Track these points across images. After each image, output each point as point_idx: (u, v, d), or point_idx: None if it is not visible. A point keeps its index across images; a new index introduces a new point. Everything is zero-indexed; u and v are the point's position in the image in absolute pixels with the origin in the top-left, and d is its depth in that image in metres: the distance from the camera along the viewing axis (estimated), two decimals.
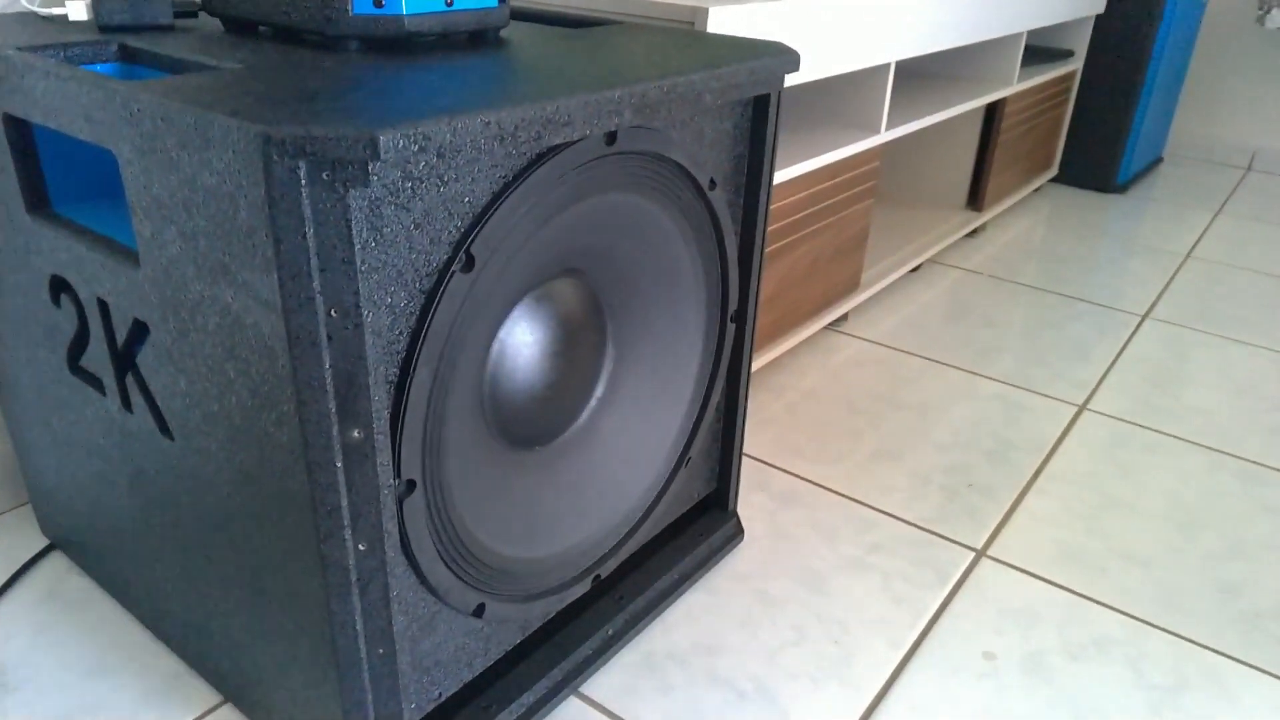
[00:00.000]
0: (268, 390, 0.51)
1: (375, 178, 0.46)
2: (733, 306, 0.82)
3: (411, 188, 0.50)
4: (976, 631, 0.85)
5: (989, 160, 1.80)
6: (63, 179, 0.70)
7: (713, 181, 0.73)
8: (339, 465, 0.51)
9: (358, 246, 0.47)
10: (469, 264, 0.55)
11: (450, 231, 0.53)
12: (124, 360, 0.63)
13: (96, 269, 0.60)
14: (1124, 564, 0.95)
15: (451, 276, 0.54)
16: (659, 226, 0.71)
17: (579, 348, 0.72)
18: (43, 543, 0.90)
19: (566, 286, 0.70)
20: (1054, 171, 2.24)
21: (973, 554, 0.96)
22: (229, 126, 0.45)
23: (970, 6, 1.42)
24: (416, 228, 0.51)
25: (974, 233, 1.90)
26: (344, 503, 0.52)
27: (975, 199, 1.85)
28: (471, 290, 0.56)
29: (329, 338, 0.48)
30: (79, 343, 0.67)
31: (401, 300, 0.52)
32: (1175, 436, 1.19)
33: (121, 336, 0.62)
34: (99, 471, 0.73)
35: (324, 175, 0.45)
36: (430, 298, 0.53)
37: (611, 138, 0.61)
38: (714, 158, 0.73)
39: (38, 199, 0.66)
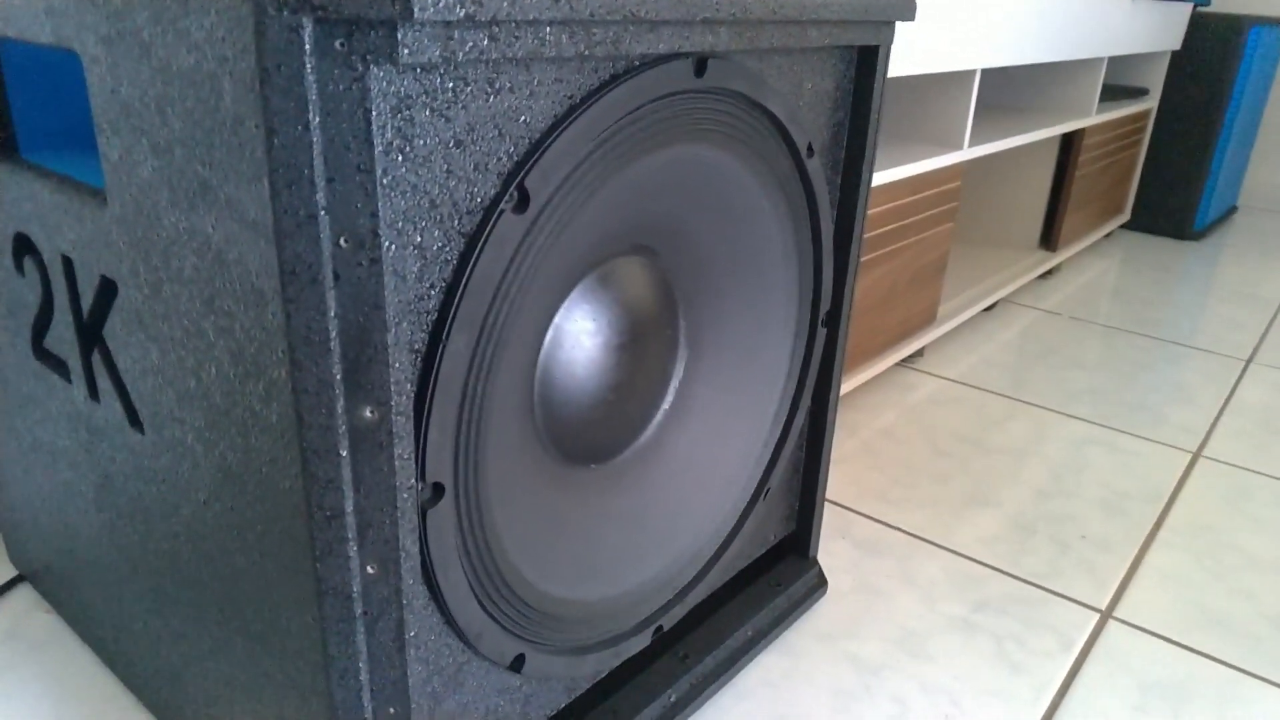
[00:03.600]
0: (254, 351, 0.39)
1: (406, 51, 0.34)
2: (825, 307, 0.69)
3: (453, 89, 0.38)
4: (1116, 710, 0.70)
5: (1064, 197, 1.67)
6: (32, 130, 0.60)
7: (811, 148, 0.61)
8: (344, 454, 0.38)
9: (379, 149, 0.35)
10: (523, 202, 0.42)
11: (500, 158, 0.41)
12: (90, 332, 0.51)
13: (60, 216, 0.49)
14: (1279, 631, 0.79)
15: (500, 215, 0.41)
16: (748, 197, 0.58)
17: (647, 345, 0.60)
18: (10, 573, 0.78)
19: (635, 268, 0.57)
20: (1126, 216, 2.11)
21: (1097, 615, 0.80)
22: None
23: (1054, 23, 1.31)
24: (457, 145, 0.39)
25: (1047, 274, 1.77)
26: (349, 507, 0.39)
27: (1049, 239, 1.72)
28: (525, 240, 0.43)
29: (335, 275, 0.36)
30: (43, 317, 0.55)
31: (435, 240, 0.39)
32: None
33: (88, 301, 0.50)
34: (65, 481, 0.61)
35: (337, 43, 0.33)
36: (472, 242, 0.41)
37: (702, 66, 0.49)
38: (813, 120, 0.61)
39: (4, 145, 0.55)
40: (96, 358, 0.51)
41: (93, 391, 0.53)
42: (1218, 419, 1.20)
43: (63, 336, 0.54)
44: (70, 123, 0.61)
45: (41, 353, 0.57)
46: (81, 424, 0.56)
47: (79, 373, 0.53)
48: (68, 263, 0.50)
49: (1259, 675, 0.74)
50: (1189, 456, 1.10)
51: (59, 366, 0.56)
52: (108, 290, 0.48)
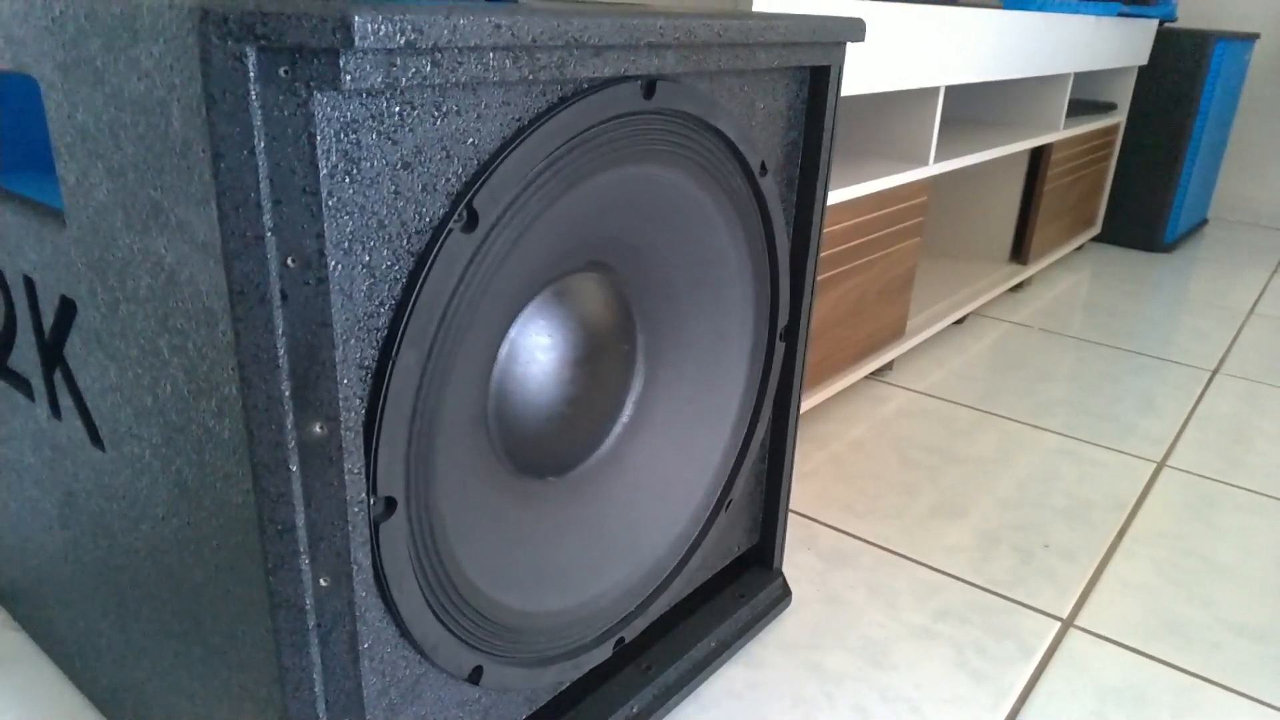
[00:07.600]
0: (206, 369, 0.40)
1: (349, 77, 0.35)
2: (783, 321, 0.70)
3: (400, 114, 0.39)
4: (1075, 716, 0.71)
5: (1034, 210, 1.70)
6: (2, 153, 0.61)
7: (764, 166, 0.62)
8: (294, 469, 0.39)
9: (324, 172, 0.36)
10: (471, 222, 0.43)
11: (449, 179, 0.42)
12: (51, 351, 0.52)
13: (22, 237, 0.50)
14: (1238, 638, 0.81)
15: (449, 235, 0.43)
16: (703, 216, 0.60)
17: (604, 361, 0.61)
18: None
19: (591, 284, 0.59)
20: (1097, 229, 2.14)
21: (1058, 623, 0.82)
22: (159, 8, 0.34)
23: (1017, 40, 1.34)
24: (405, 167, 0.40)
25: (1018, 287, 1.79)
26: (300, 520, 0.40)
27: (1019, 252, 1.75)
28: (474, 258, 0.45)
29: (283, 295, 0.37)
30: (6, 336, 0.56)
31: (383, 260, 0.40)
32: (1272, 496, 1.05)
33: (49, 321, 0.51)
34: (30, 499, 0.61)
35: (281, 71, 0.34)
36: (421, 261, 0.42)
37: (650, 89, 0.50)
38: (765, 140, 0.63)
39: None
40: (58, 376, 0.52)
41: (55, 410, 0.54)
42: (1183, 429, 1.22)
43: (26, 356, 0.55)
44: (36, 146, 0.62)
45: (5, 372, 0.58)
46: (45, 442, 0.56)
47: (42, 391, 0.54)
48: (29, 283, 0.51)
49: (1216, 682, 0.76)
50: (1153, 466, 1.12)
51: (22, 385, 0.56)
52: (68, 310, 0.49)
